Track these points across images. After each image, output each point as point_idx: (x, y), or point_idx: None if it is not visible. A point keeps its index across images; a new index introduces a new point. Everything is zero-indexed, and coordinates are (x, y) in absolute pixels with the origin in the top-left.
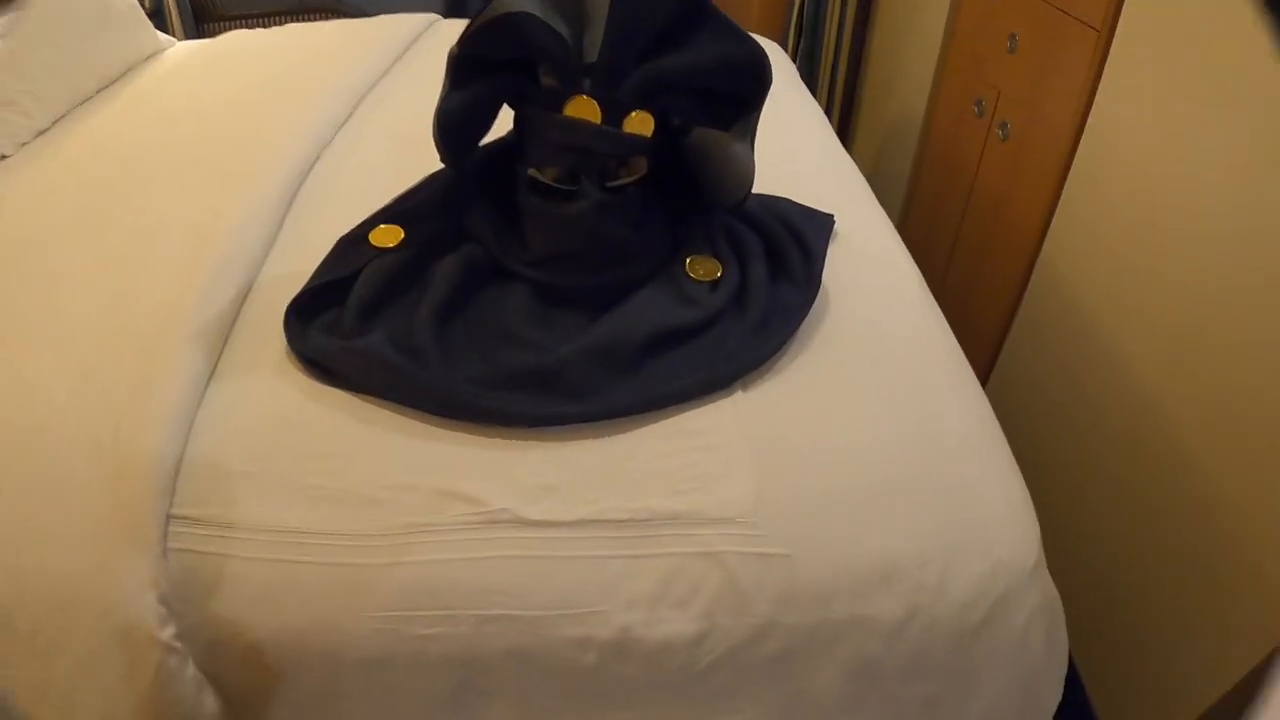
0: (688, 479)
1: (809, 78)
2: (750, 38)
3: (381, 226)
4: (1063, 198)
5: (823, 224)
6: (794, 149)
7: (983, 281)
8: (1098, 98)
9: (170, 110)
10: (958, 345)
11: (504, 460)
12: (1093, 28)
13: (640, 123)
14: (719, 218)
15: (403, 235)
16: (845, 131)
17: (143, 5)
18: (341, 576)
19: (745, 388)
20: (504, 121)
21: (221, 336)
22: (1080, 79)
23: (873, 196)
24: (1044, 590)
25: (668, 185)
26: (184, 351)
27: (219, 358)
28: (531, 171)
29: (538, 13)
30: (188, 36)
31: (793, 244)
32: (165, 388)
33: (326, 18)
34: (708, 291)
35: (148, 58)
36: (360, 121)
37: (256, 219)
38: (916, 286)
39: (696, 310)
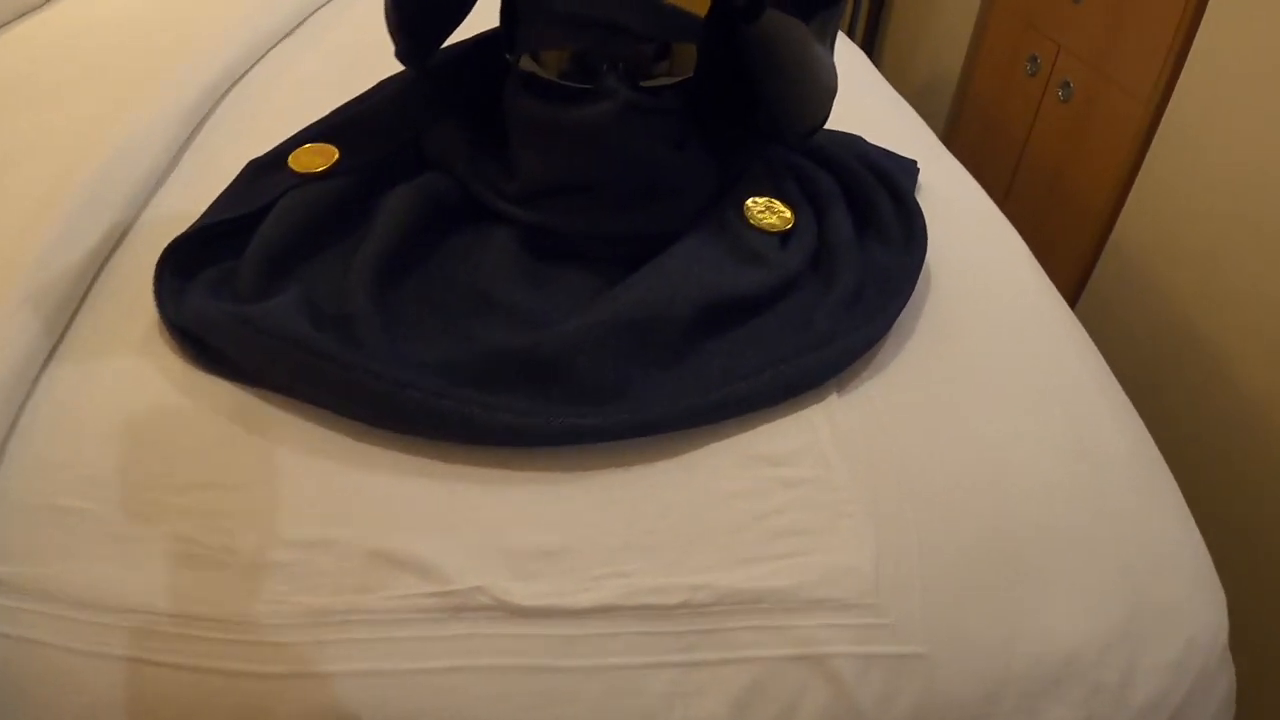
0: (770, 536)
1: None
2: None
3: (307, 145)
4: (1142, 172)
5: (905, 169)
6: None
7: (1039, 258)
8: (1191, 58)
9: (86, 22)
10: (1089, 337)
11: (477, 504)
12: None
13: None
14: (783, 152)
15: (336, 157)
16: None
17: None
18: (215, 692)
19: (840, 389)
20: (483, 15)
21: (73, 298)
22: (1166, 35)
23: (942, 146)
24: (1230, 676)
25: (713, 99)
26: (12, 320)
27: (65, 328)
28: (526, 63)
29: None
30: None
31: (881, 191)
32: None
33: None
34: (776, 245)
35: None
36: (314, 30)
37: (148, 139)
38: (1028, 260)
39: (763, 271)
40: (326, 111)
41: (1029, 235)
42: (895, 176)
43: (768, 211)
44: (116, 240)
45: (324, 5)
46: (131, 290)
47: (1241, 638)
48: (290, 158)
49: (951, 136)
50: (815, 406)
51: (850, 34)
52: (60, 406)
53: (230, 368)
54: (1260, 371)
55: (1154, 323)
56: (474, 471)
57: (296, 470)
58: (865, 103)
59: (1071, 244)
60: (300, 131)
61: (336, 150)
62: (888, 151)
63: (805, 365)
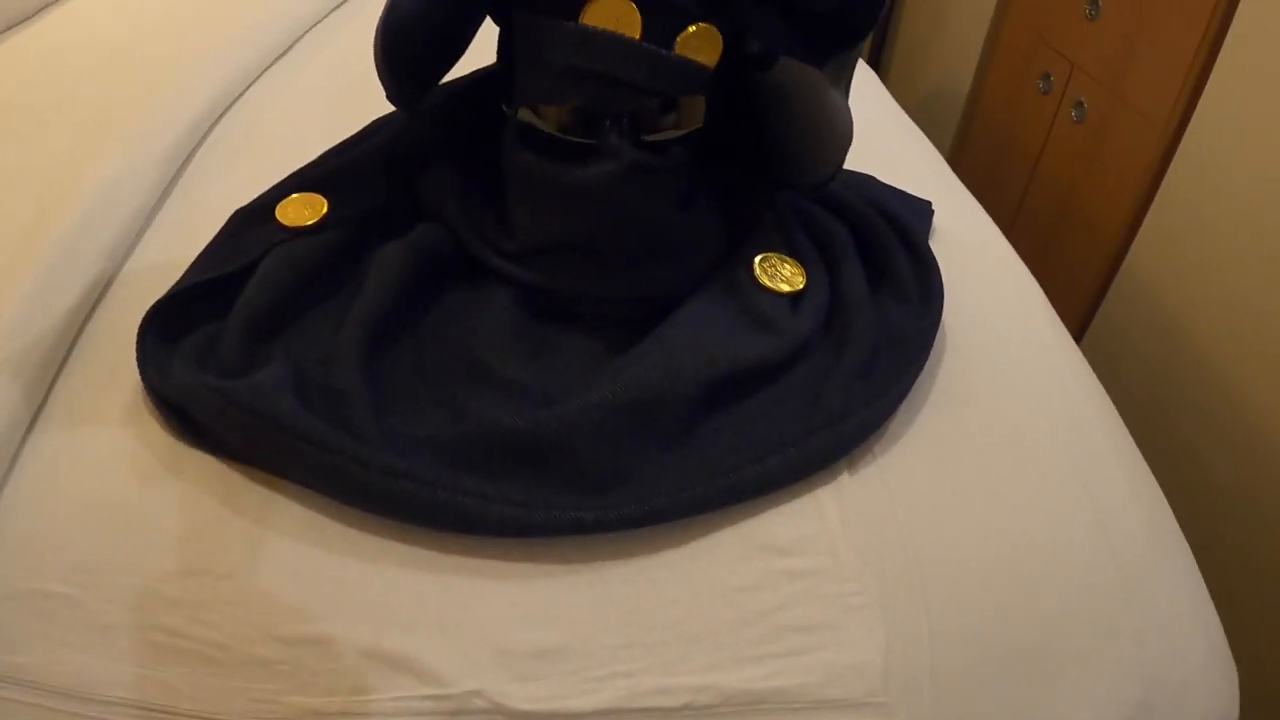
0: (775, 633)
1: None
2: None
3: (294, 196)
4: (1158, 198)
5: (919, 211)
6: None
7: (1048, 282)
8: (1211, 82)
9: (72, 41)
10: (1102, 388)
11: (474, 598)
12: None
13: (702, 42)
14: (792, 199)
15: (325, 208)
16: None
17: None
18: None
19: (851, 467)
20: (481, 49)
21: (53, 362)
22: (1186, 56)
23: (952, 173)
24: None
25: (722, 145)
26: None
27: (48, 391)
28: (524, 114)
29: None
30: None
31: (897, 243)
32: None
33: None
34: (787, 309)
35: None
36: (302, 56)
37: (131, 181)
38: (1042, 304)
39: (773, 338)
40: (319, 140)
41: (1040, 257)
42: (911, 226)
43: (778, 270)
44: (98, 295)
45: (315, 25)
46: (114, 352)
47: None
48: (277, 209)
49: (960, 152)
50: (825, 488)
51: None
52: (43, 482)
53: (216, 443)
54: (1276, 407)
55: (1167, 352)
56: (470, 563)
57: (287, 558)
58: (874, 128)
59: (1084, 267)
60: (288, 178)
61: (325, 201)
62: (901, 193)
63: (815, 446)
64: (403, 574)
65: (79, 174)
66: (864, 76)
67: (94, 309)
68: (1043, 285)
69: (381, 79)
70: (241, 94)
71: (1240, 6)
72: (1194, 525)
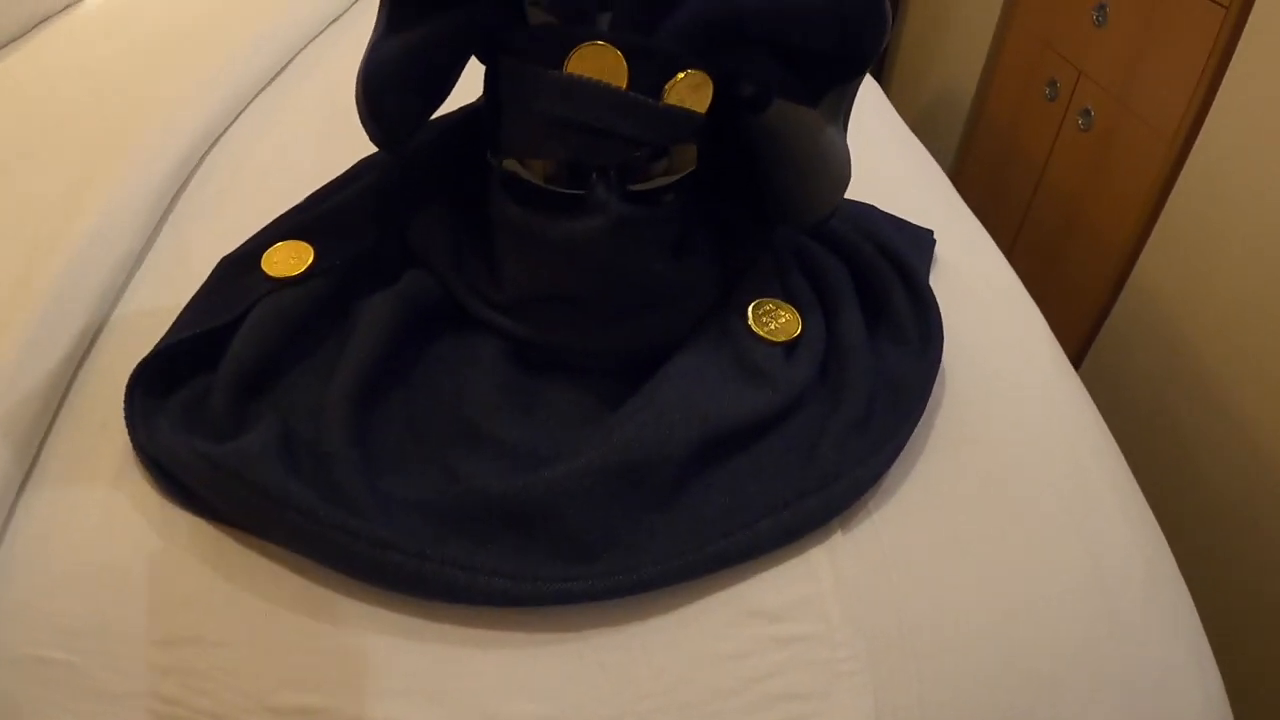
0: (765, 701)
1: None
2: None
3: (281, 244)
4: (1166, 210)
5: (920, 242)
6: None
7: (1055, 293)
8: (1222, 92)
9: (60, 68)
10: (1104, 424)
11: (465, 668)
12: (1219, 3)
13: (692, 89)
14: (790, 236)
15: (312, 257)
16: None
17: None
18: None
19: (845, 526)
20: (468, 84)
21: (43, 420)
22: (1195, 67)
23: (957, 194)
24: None
25: (715, 180)
26: None
27: (39, 449)
28: (510, 163)
29: None
30: None
31: (896, 282)
32: None
33: None
34: (782, 359)
35: (64, 7)
36: (292, 81)
37: (117, 226)
38: (1045, 339)
39: (767, 391)
40: (309, 172)
41: (1046, 266)
42: (911, 264)
43: (773, 317)
44: (86, 348)
45: (302, 49)
46: (104, 406)
47: None
48: (264, 259)
49: (965, 158)
50: (818, 547)
51: None
52: (37, 546)
53: (206, 506)
54: (1272, 436)
55: (1172, 365)
56: (460, 632)
57: (279, 627)
58: (877, 148)
59: (1090, 278)
60: (275, 223)
61: (311, 249)
62: (902, 223)
63: (809, 508)
64: (394, 642)
65: (68, 217)
66: (866, 88)
67: (84, 359)
68: (1048, 296)
69: (365, 126)
70: (230, 124)
71: (1251, 18)
72: (1195, 538)
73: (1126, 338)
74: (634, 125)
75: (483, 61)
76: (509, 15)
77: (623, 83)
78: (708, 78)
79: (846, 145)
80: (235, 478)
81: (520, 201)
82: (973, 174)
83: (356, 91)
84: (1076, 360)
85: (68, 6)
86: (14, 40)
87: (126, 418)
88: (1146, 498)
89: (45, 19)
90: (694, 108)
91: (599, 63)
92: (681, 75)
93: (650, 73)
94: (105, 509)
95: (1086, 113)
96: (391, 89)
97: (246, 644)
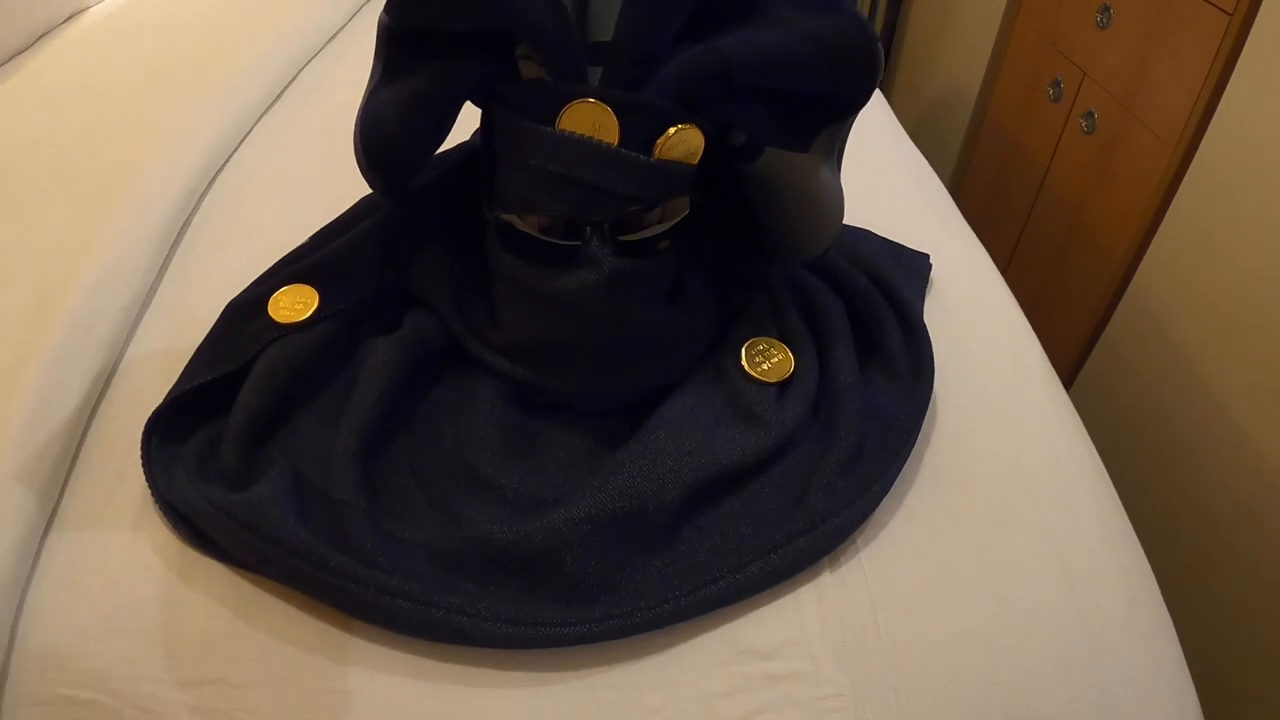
0: None
1: None
2: (852, 6)
3: (286, 289)
4: (1169, 214)
5: (916, 270)
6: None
7: (1056, 298)
8: (1226, 98)
9: (64, 93)
10: (1093, 446)
11: (469, 707)
12: (1223, 10)
13: (683, 143)
14: (785, 271)
15: (317, 302)
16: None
17: None
18: None
19: (834, 566)
20: (467, 120)
21: (63, 464)
22: (1199, 71)
23: (954, 206)
24: None
25: (711, 218)
26: (7, 497)
27: (60, 496)
28: (506, 216)
29: None
30: None
31: (889, 313)
32: None
33: None
34: (774, 399)
35: (68, 19)
36: (292, 104)
37: (127, 263)
38: (1037, 358)
39: (759, 434)
40: (311, 205)
41: (1049, 270)
42: (905, 297)
43: (767, 356)
44: (99, 394)
45: (299, 71)
46: (120, 453)
47: None
48: (270, 304)
49: (969, 159)
50: (806, 587)
51: None
52: (63, 591)
53: (223, 552)
54: (1273, 444)
55: (1172, 372)
56: (464, 671)
57: (295, 668)
58: (879, 165)
59: (1092, 282)
60: (280, 266)
61: (316, 293)
62: (899, 248)
63: (797, 551)
64: (403, 682)
65: (76, 260)
66: (873, 102)
67: (97, 406)
68: (1050, 299)
69: (365, 176)
70: (230, 155)
71: (1255, 25)
72: (1194, 545)
73: (1126, 343)
74: (628, 182)
75: (478, 106)
76: (502, 68)
77: (615, 139)
78: (699, 131)
79: (840, 184)
80: (249, 527)
81: (516, 252)
82: (977, 174)
83: (355, 142)
84: (1076, 365)
85: (70, 18)
86: (17, 54)
87: (144, 467)
88: (1144, 505)
89: (47, 31)
90: (686, 161)
91: (591, 119)
92: (673, 130)
93: (642, 128)
94: (126, 554)
95: (1090, 115)
96: (389, 141)
97: (266, 685)
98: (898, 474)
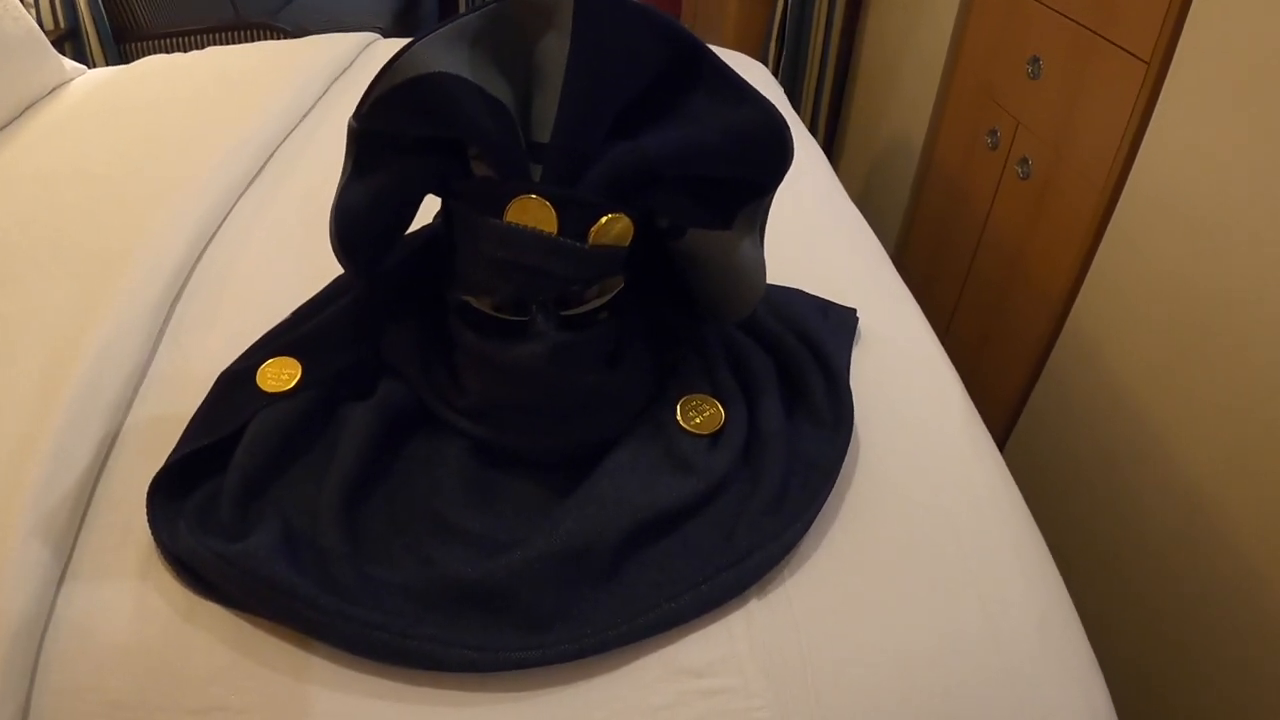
0: None
1: (792, 94)
2: (763, 97)
3: (272, 361)
4: (1098, 255)
5: (843, 324)
6: (786, 199)
7: (999, 338)
8: (1145, 143)
9: (54, 168)
10: (1011, 481)
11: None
12: (1140, 59)
13: (613, 229)
14: (718, 330)
15: (300, 372)
16: (830, 152)
17: (57, 25)
18: None
19: (761, 593)
20: (431, 204)
21: (74, 520)
22: (1120, 117)
23: (888, 260)
24: None
25: (647, 283)
26: (25, 553)
27: (72, 550)
28: (464, 296)
29: (465, 72)
30: (108, 60)
31: (814, 366)
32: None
33: (261, 37)
34: (706, 449)
35: (51, 91)
36: (271, 179)
37: (127, 335)
38: (959, 401)
39: (693, 480)
40: (292, 278)
41: (992, 311)
42: (828, 352)
43: (699, 411)
44: (106, 454)
45: (275, 150)
46: (127, 510)
47: None
48: (258, 375)
49: (917, 205)
50: (736, 613)
51: (817, 94)
52: (78, 633)
53: (223, 595)
54: (1208, 464)
55: (1109, 410)
56: (438, 694)
57: (291, 694)
58: (816, 225)
59: (1032, 321)
60: (266, 339)
61: (299, 365)
62: (827, 305)
63: (725, 582)
64: (383, 705)
65: (78, 333)
66: (810, 158)
67: (103, 468)
68: (993, 339)
69: (340, 261)
70: (215, 231)
71: (1171, 70)
72: (1134, 575)
73: (1066, 379)
74: (565, 266)
75: (439, 195)
76: (457, 167)
77: (554, 228)
78: (628, 218)
79: (761, 255)
80: (247, 572)
81: (473, 327)
82: (924, 221)
83: (330, 231)
84: (1019, 402)
85: (54, 90)
86: (3, 127)
87: (150, 522)
88: (1085, 536)
89: (33, 103)
90: (617, 244)
91: (533, 211)
92: (604, 219)
93: (577, 219)
94: (135, 599)
95: (1025, 161)
96: (360, 230)
97: (263, 710)
98: (819, 510)
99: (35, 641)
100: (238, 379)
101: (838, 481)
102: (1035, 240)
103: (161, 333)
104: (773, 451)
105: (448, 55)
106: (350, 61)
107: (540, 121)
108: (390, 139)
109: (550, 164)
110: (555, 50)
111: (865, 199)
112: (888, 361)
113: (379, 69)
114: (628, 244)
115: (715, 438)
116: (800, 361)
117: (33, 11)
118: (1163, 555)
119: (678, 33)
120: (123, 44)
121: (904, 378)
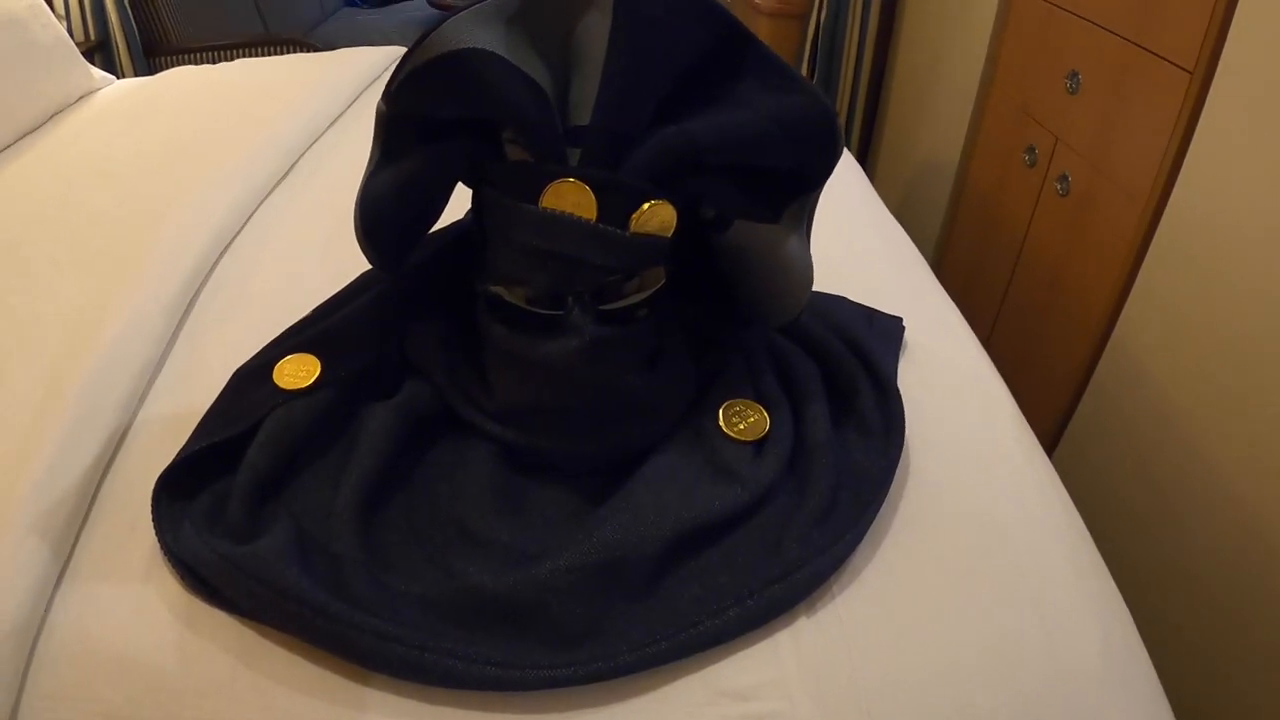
0: None
1: None
2: (812, 86)
3: (290, 357)
4: (1142, 273)
5: (889, 332)
6: (825, 208)
7: (1038, 358)
8: (1190, 155)
9: (77, 169)
10: (1066, 494)
11: None
12: (1184, 69)
13: (656, 217)
14: (762, 335)
15: (319, 369)
16: (864, 170)
17: (87, 37)
18: None
19: (810, 609)
20: (461, 198)
21: (76, 518)
22: (1164, 129)
23: (929, 270)
24: None
25: (688, 284)
26: (21, 549)
27: (73, 548)
28: (495, 288)
29: (500, 50)
30: (137, 73)
31: (862, 373)
32: None
33: (291, 53)
34: (750, 457)
35: (79, 99)
36: (297, 184)
37: (140, 332)
38: (1009, 412)
39: (736, 489)
40: (314, 279)
41: (1032, 330)
42: (876, 360)
43: (743, 417)
44: (113, 450)
45: (303, 154)
46: (132, 508)
47: None
48: (274, 371)
49: (952, 225)
50: (784, 631)
51: (850, 114)
52: (75, 636)
53: (228, 602)
54: (1259, 486)
55: (1155, 429)
56: (456, 714)
57: (293, 709)
58: (856, 235)
59: (1075, 339)
60: (284, 336)
61: (318, 361)
62: (872, 313)
63: (772, 597)
64: None
65: (91, 328)
66: (848, 170)
67: (110, 464)
68: (1034, 359)
69: (364, 252)
70: (238, 232)
71: (1215, 79)
72: (1179, 598)
73: (1108, 401)
74: (605, 255)
75: (469, 185)
76: (490, 151)
77: (593, 215)
78: (671, 206)
79: (808, 253)
80: (253, 577)
81: (505, 322)
82: (960, 242)
83: (355, 220)
84: (1059, 425)
85: (80, 99)
86: (31, 132)
87: (154, 522)
88: (1129, 557)
89: (59, 110)
90: (660, 234)
91: (571, 197)
92: (646, 206)
93: (618, 205)
94: (136, 603)
95: (1064, 178)
96: (386, 219)
97: None
98: (870, 523)
99: (27, 643)
100: (254, 375)
101: (885, 499)
102: (1076, 260)
103: (178, 331)
104: (820, 460)
105: (482, 32)
106: (380, 72)
107: (579, 105)
108: (420, 122)
109: (590, 146)
110: (596, 29)
111: (899, 218)
112: (934, 371)
113: (409, 47)
114: (670, 234)
115: (759, 445)
116: (848, 369)
117: (64, 22)
118: (1211, 580)
119: (723, 16)
120: (152, 57)
121: (951, 387)
